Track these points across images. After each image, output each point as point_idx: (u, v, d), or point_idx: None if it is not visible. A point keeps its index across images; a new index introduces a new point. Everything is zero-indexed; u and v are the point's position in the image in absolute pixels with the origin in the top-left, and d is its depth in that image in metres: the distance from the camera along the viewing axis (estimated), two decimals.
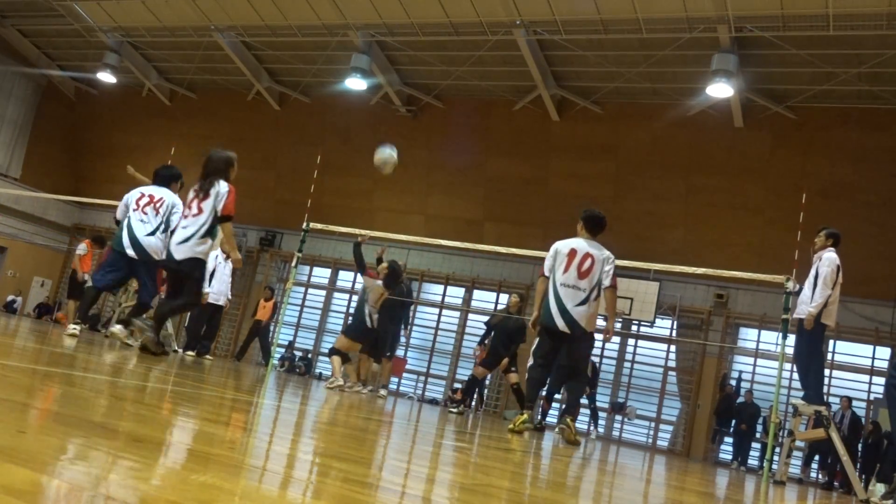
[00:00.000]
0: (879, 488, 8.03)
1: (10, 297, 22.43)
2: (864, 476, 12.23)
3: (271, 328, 14.32)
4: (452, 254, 19.02)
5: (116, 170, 17.28)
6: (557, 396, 11.51)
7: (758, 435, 15.25)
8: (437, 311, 19.59)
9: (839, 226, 8.12)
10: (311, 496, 1.37)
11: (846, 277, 7.61)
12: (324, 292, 21.05)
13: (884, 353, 15.65)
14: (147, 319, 7.02)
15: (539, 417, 10.22)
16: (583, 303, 6.29)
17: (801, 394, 7.67)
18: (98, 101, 23.72)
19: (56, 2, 18.88)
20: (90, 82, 22.88)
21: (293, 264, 10.37)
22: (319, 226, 10.32)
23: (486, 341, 10.90)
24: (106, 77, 20.66)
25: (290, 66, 19.31)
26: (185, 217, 6.47)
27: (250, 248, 20.99)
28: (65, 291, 22.18)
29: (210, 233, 6.40)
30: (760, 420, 15.18)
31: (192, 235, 6.35)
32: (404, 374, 19.06)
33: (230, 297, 12.29)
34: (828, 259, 7.49)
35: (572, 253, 6.38)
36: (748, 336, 17.27)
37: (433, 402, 17.79)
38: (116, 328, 7.41)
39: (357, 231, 10.10)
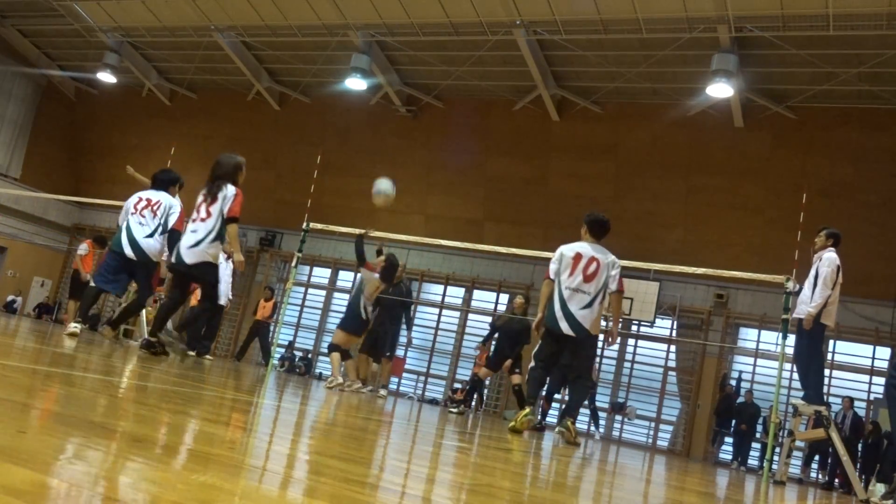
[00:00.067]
0: (879, 488, 8.04)
1: (10, 297, 22.44)
2: (864, 476, 12.23)
3: (271, 328, 14.32)
4: (452, 254, 19.02)
5: (116, 170, 17.28)
6: (557, 396, 11.51)
7: (758, 435, 15.25)
8: (437, 311, 19.59)
9: (839, 226, 8.12)
10: (310, 496, 1.37)
11: (846, 277, 7.61)
12: (324, 292, 21.06)
13: (884, 353, 15.65)
14: (171, 332, 7.13)
15: (539, 417, 10.22)
16: (588, 306, 6.35)
17: (801, 394, 7.67)
18: (98, 101, 23.73)
19: (56, 2, 18.88)
20: (90, 82, 22.89)
21: (293, 264, 10.37)
22: (319, 226, 10.32)
23: (490, 342, 10.91)
24: (106, 77, 20.66)
25: (290, 66, 19.32)
26: (194, 221, 6.55)
27: (250, 248, 20.99)
28: (64, 291, 22.21)
29: (220, 236, 6.50)
30: (760, 420, 15.18)
31: (203, 239, 6.45)
32: (404, 374, 19.07)
33: (230, 297, 12.30)
34: (828, 259, 7.48)
35: (578, 257, 6.43)
36: (748, 336, 17.28)
37: (433, 402, 17.79)
38: (104, 328, 7.50)
39: (356, 230, 10.09)
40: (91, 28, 19.74)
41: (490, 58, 16.79)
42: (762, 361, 16.55)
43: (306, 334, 20.86)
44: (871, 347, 15.87)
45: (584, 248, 6.49)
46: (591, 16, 14.43)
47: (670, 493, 3.86)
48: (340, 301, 20.74)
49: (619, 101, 17.16)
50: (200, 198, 6.61)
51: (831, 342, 15.65)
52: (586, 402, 13.76)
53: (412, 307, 12.65)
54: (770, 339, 15.98)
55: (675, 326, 17.33)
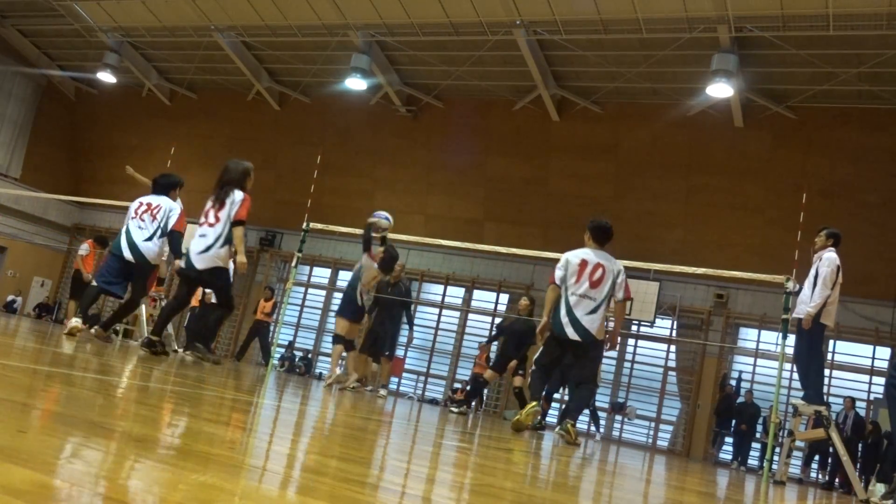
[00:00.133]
0: (879, 488, 8.03)
1: (10, 297, 22.44)
2: (864, 476, 12.23)
3: (271, 328, 14.32)
4: (452, 254, 19.02)
5: (116, 170, 17.27)
6: (557, 396, 11.51)
7: (758, 435, 15.25)
8: (437, 311, 19.59)
9: (839, 226, 8.11)
10: (310, 496, 1.37)
11: (846, 277, 7.60)
12: (324, 292, 21.06)
13: (884, 353, 15.65)
14: (199, 346, 7.25)
15: (539, 418, 10.22)
16: (593, 311, 6.43)
17: (801, 394, 7.67)
18: (98, 101, 23.72)
19: (56, 2, 18.88)
20: (90, 82, 22.88)
21: (293, 264, 10.38)
22: (319, 226, 10.33)
23: (495, 343, 10.89)
24: (106, 77, 20.67)
25: (290, 66, 19.32)
26: (202, 226, 6.67)
27: (250, 248, 20.99)
28: (64, 292, 22.22)
29: (229, 241, 6.63)
30: (760, 420, 15.18)
31: (213, 245, 6.58)
32: (404, 374, 19.07)
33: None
34: (828, 259, 7.48)
35: (583, 264, 6.50)
36: (748, 336, 17.27)
37: (433, 402, 17.79)
38: (96, 329, 7.57)
39: (356, 230, 10.09)
40: (91, 28, 19.74)
41: (490, 58, 16.79)
42: (762, 361, 16.55)
43: (306, 334, 20.86)
44: (871, 347, 15.87)
45: (589, 254, 6.57)
46: (591, 16, 14.43)
47: (670, 493, 3.87)
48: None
49: (619, 101, 17.16)
50: (209, 203, 6.75)
51: (831, 342, 15.65)
52: None
53: (412, 306, 12.65)
54: (770, 339, 15.98)
55: (675, 326, 17.33)
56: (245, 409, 3.55)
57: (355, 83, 17.51)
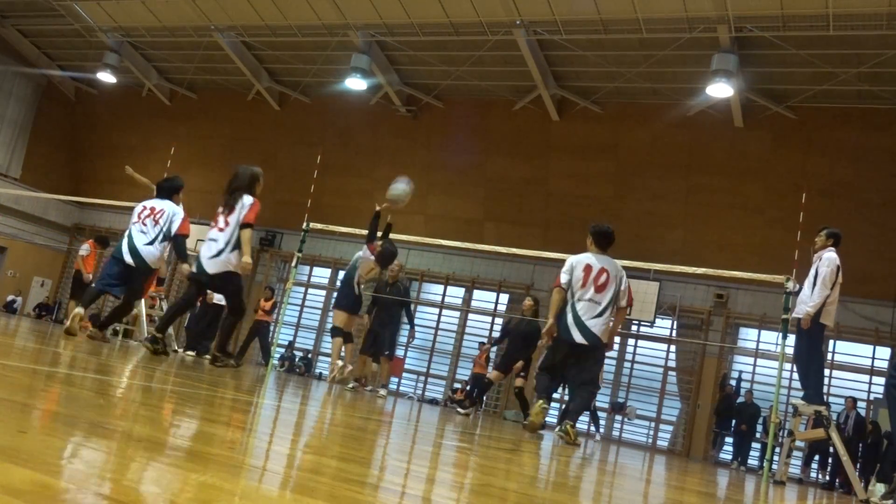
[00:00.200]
0: (879, 488, 8.03)
1: (10, 297, 22.44)
2: (864, 476, 12.23)
3: (271, 328, 14.32)
4: (452, 254, 19.02)
5: (116, 170, 17.25)
6: (556, 396, 11.48)
7: (758, 435, 15.25)
8: (437, 311, 19.59)
9: (839, 226, 8.10)
10: (310, 496, 1.37)
11: (846, 277, 7.60)
12: (324, 292, 21.05)
13: (884, 353, 15.65)
14: (217, 354, 7.39)
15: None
16: (599, 315, 6.51)
17: (801, 394, 7.67)
18: (98, 101, 23.72)
19: (56, 2, 18.88)
20: (90, 82, 22.88)
21: (293, 264, 10.38)
22: (319, 226, 10.33)
23: (490, 345, 10.87)
24: (106, 77, 20.66)
25: (290, 66, 19.31)
26: (211, 230, 6.75)
27: None
28: (64, 291, 22.22)
29: (238, 245, 6.69)
30: (760, 420, 15.17)
31: (223, 249, 6.65)
32: (404, 374, 19.07)
33: None
34: (828, 259, 7.47)
35: (588, 269, 6.59)
36: (748, 336, 17.27)
37: (433, 402, 17.79)
38: (92, 330, 7.65)
39: (356, 230, 10.09)
40: (91, 28, 19.74)
41: (490, 58, 16.79)
42: (762, 361, 16.54)
43: (306, 334, 20.86)
44: (871, 347, 15.87)
45: (592, 259, 6.65)
46: (591, 16, 14.43)
47: (670, 493, 3.87)
48: None
49: (619, 101, 17.15)
50: (219, 209, 6.83)
51: (831, 342, 15.65)
52: None
53: (412, 305, 12.64)
54: (770, 339, 15.98)
55: (675, 326, 17.33)
56: (245, 409, 3.55)
57: (355, 83, 17.51)
